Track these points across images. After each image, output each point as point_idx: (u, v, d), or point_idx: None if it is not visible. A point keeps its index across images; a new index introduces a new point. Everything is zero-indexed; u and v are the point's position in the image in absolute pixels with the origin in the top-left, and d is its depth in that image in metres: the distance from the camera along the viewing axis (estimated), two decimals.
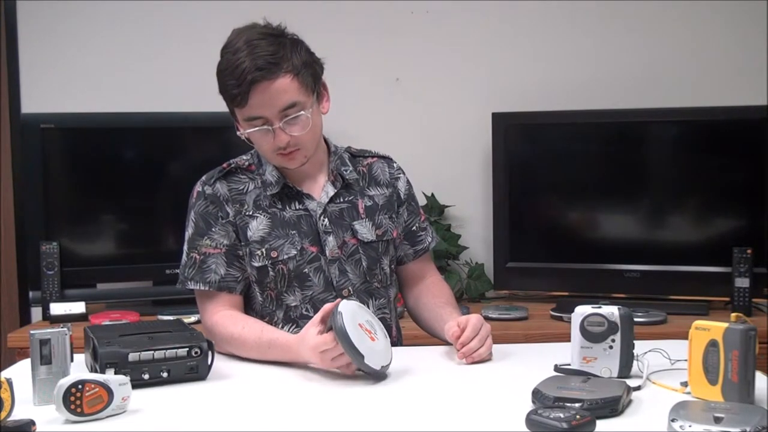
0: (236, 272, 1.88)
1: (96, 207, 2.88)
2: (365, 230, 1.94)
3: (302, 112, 1.80)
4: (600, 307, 1.59)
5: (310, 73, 1.83)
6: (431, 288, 2.03)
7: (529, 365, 1.67)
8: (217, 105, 2.84)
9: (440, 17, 3.09)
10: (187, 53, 3.03)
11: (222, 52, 1.82)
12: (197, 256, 1.88)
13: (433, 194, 3.05)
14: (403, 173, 2.06)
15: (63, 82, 3.03)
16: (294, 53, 1.79)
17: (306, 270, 1.88)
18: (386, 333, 1.69)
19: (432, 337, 1.98)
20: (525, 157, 2.98)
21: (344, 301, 1.62)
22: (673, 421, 1.26)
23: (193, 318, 2.49)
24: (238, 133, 1.87)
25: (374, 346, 1.60)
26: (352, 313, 1.60)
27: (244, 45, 1.77)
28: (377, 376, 1.61)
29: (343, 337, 1.55)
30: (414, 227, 2.05)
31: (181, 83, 3.01)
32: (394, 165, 2.06)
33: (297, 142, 1.82)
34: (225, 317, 1.85)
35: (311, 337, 1.64)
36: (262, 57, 1.75)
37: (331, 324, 1.59)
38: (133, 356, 1.57)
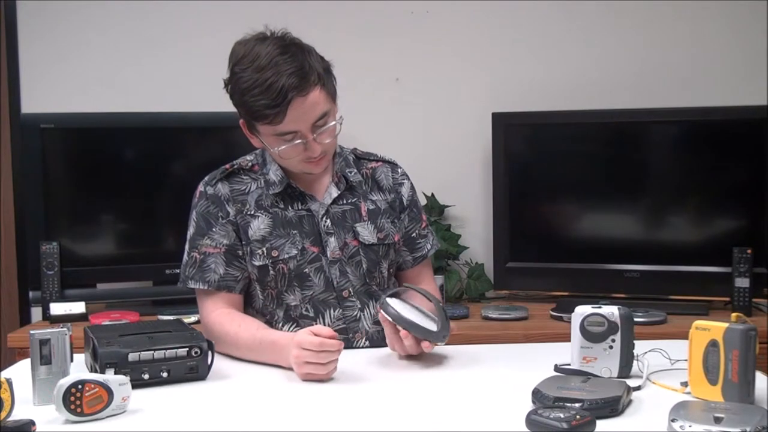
0: (235, 272, 1.89)
1: (96, 207, 2.88)
2: (367, 233, 1.94)
3: (332, 122, 1.82)
4: (600, 307, 1.59)
5: (330, 79, 1.84)
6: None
7: (529, 365, 1.67)
8: (217, 105, 2.84)
9: (440, 17, 3.09)
10: (187, 53, 3.03)
11: (236, 68, 1.79)
12: (197, 256, 1.89)
13: (433, 194, 3.05)
14: (408, 179, 2.05)
15: (63, 82, 3.03)
16: (314, 62, 1.79)
17: (306, 270, 1.88)
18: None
19: None
20: (525, 157, 2.98)
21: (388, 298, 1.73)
22: (673, 421, 1.26)
23: (193, 318, 2.49)
24: (255, 142, 1.87)
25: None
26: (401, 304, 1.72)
27: (267, 61, 1.74)
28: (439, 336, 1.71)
29: (403, 322, 1.67)
30: (414, 234, 2.04)
31: (181, 83, 3.01)
32: (399, 170, 2.05)
33: (326, 149, 1.84)
34: (222, 315, 1.85)
35: (300, 333, 1.65)
36: (294, 73, 1.74)
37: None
38: (133, 356, 1.57)
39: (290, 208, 1.91)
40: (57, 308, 2.69)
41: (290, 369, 1.69)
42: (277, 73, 1.73)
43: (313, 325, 1.83)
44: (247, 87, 1.76)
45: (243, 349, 1.79)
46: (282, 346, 1.71)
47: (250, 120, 1.82)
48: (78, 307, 2.70)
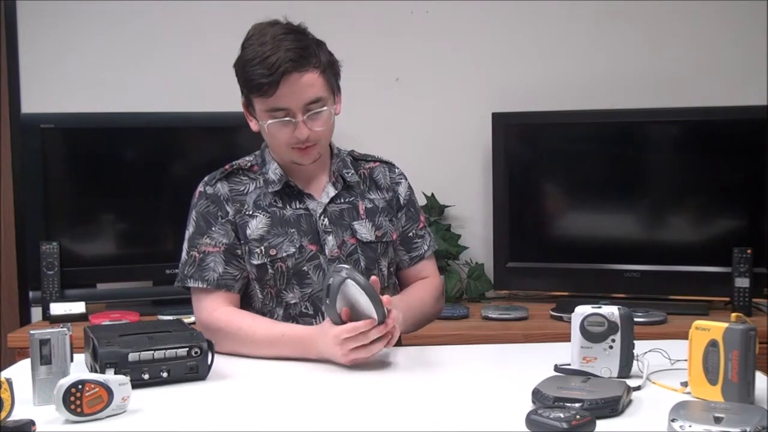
0: (234, 271, 1.89)
1: (96, 207, 2.89)
2: (365, 230, 1.94)
3: (324, 108, 1.83)
4: (600, 307, 1.59)
5: (333, 72, 1.87)
6: (411, 286, 2.04)
7: (529, 365, 1.67)
8: (218, 105, 2.84)
9: (440, 17, 3.09)
10: (187, 53, 3.04)
11: (245, 44, 1.84)
12: (197, 255, 1.89)
13: (433, 194, 3.05)
14: (405, 179, 2.06)
15: (63, 82, 3.03)
16: (319, 51, 1.84)
17: (305, 268, 1.88)
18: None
19: (429, 336, 1.98)
20: (525, 157, 2.98)
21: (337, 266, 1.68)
22: (673, 421, 1.26)
23: (193, 318, 2.48)
24: (253, 125, 1.89)
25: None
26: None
27: (270, 39, 1.79)
28: None
29: (370, 292, 1.61)
30: (411, 233, 2.05)
31: (181, 83, 3.01)
32: (396, 170, 2.06)
33: (316, 137, 1.85)
34: (229, 312, 1.86)
35: (331, 326, 1.68)
36: (293, 50, 1.78)
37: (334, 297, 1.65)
38: (133, 356, 1.57)
39: (288, 207, 1.91)
40: (57, 308, 2.69)
41: (317, 361, 1.71)
42: (278, 48, 1.78)
43: (312, 323, 1.86)
44: (248, 59, 1.81)
45: (260, 343, 1.79)
46: (311, 341, 1.73)
47: (248, 94, 1.85)
48: (78, 307, 2.70)
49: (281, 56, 1.77)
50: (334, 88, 1.88)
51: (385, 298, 1.67)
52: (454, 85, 3.10)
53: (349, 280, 1.62)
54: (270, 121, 1.83)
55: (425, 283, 2.05)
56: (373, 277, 1.68)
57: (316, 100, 1.82)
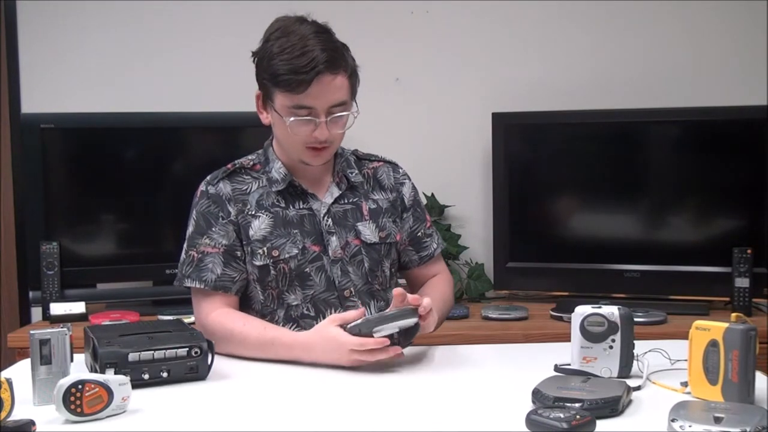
0: (233, 273, 1.88)
1: (96, 207, 2.89)
2: (368, 232, 1.94)
3: (346, 112, 1.84)
4: (600, 307, 1.59)
5: (356, 78, 1.88)
6: (427, 284, 2.04)
7: (529, 365, 1.67)
8: (218, 105, 2.84)
9: (440, 17, 3.09)
10: (187, 53, 3.03)
11: (269, 37, 1.81)
12: (195, 255, 1.89)
13: (433, 194, 3.05)
14: (409, 179, 2.06)
15: (63, 82, 3.03)
16: (347, 54, 1.85)
17: (307, 269, 1.88)
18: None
19: (429, 336, 1.97)
20: (525, 157, 2.98)
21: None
22: (673, 421, 1.26)
23: (193, 318, 2.48)
24: (264, 118, 1.88)
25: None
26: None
27: (301, 37, 1.78)
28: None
29: (387, 317, 1.65)
30: (419, 233, 2.05)
31: (181, 83, 3.01)
32: (400, 170, 2.06)
33: (333, 139, 1.85)
34: (223, 315, 1.85)
35: (338, 334, 1.67)
36: (328, 50, 1.78)
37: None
38: (133, 356, 1.57)
39: (291, 207, 1.91)
40: (57, 308, 2.69)
41: (309, 365, 1.71)
42: (312, 47, 1.77)
43: (314, 324, 1.82)
44: (278, 51, 1.78)
45: (252, 347, 1.78)
46: (306, 346, 1.72)
47: (271, 86, 1.82)
48: (78, 307, 2.70)
49: (317, 56, 1.76)
50: (355, 94, 1.88)
51: (424, 302, 1.70)
52: (454, 85, 3.10)
53: (373, 333, 1.65)
54: (293, 119, 1.81)
55: (442, 281, 2.06)
56: (397, 290, 1.70)
57: (341, 103, 1.82)
